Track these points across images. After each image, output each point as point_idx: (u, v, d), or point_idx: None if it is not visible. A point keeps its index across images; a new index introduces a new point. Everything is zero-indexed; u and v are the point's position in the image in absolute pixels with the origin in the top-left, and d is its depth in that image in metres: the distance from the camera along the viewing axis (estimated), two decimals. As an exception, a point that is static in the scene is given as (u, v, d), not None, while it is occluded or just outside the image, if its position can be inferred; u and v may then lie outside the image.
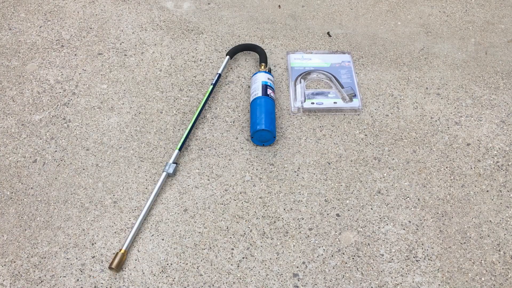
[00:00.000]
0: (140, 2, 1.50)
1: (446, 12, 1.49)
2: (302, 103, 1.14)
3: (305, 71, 1.23)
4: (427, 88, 1.22)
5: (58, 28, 1.40)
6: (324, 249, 0.91)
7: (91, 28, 1.40)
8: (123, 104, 1.18)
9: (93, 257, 0.89)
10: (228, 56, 1.26)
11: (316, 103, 1.14)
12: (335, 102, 1.14)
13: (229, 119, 1.14)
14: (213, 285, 0.86)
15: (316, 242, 0.92)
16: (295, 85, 1.19)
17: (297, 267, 0.88)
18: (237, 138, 1.10)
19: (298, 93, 1.17)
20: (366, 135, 1.11)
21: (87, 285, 0.86)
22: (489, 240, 0.92)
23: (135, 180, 1.02)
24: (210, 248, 0.91)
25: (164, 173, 1.00)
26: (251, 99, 1.11)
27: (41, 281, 0.86)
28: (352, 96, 1.15)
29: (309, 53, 1.29)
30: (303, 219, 0.95)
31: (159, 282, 0.86)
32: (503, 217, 0.95)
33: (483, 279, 0.86)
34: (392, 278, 0.87)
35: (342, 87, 1.18)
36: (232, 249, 0.91)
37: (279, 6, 1.51)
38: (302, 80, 1.20)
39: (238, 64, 1.30)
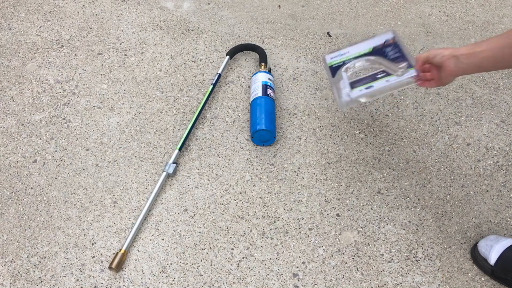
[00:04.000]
0: (140, 2, 1.50)
1: (446, 12, 1.49)
2: (349, 94, 0.95)
3: (344, 64, 1.03)
4: (427, 88, 1.22)
5: (58, 28, 1.40)
6: (324, 249, 0.91)
7: (91, 28, 1.40)
8: (123, 104, 1.18)
9: (93, 257, 0.89)
10: (228, 56, 1.26)
11: (365, 88, 0.95)
12: (387, 80, 0.94)
13: (229, 119, 1.14)
14: (213, 285, 0.86)
15: (316, 242, 0.92)
16: (338, 81, 0.99)
17: (297, 267, 0.88)
18: (237, 138, 1.10)
19: (344, 86, 0.97)
20: (366, 135, 1.11)
21: (87, 285, 0.86)
22: (489, 240, 0.92)
23: (135, 180, 1.02)
24: (210, 248, 0.91)
25: (164, 173, 1.00)
26: (251, 99, 1.11)
27: (41, 281, 0.86)
28: (407, 66, 0.94)
29: (346, 48, 1.10)
30: (303, 219, 0.95)
31: (159, 282, 0.86)
32: (503, 217, 0.95)
33: (483, 279, 0.86)
34: (392, 278, 0.87)
35: (393, 62, 0.97)
36: (232, 249, 0.91)
37: (279, 6, 1.51)
38: (343, 74, 1.01)
39: (238, 64, 1.30)
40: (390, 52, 1.02)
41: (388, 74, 0.96)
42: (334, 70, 1.05)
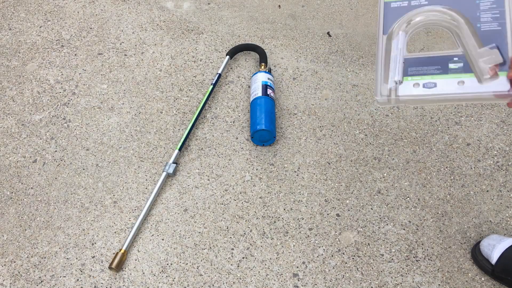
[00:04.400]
0: (140, 2, 1.50)
1: (446, 12, 1.49)
2: (396, 83, 0.57)
3: (410, 5, 0.59)
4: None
5: (58, 28, 1.40)
6: (324, 249, 0.91)
7: (91, 28, 1.40)
8: (123, 104, 1.18)
9: (93, 257, 0.89)
10: (228, 56, 1.26)
11: (424, 85, 0.56)
12: (460, 82, 0.55)
13: (229, 119, 1.14)
14: (213, 285, 0.86)
15: (316, 242, 0.92)
16: (389, 48, 0.59)
17: (297, 267, 0.88)
18: (237, 138, 1.10)
19: (393, 64, 0.58)
20: (366, 135, 1.11)
21: (87, 285, 0.86)
22: (489, 240, 0.92)
23: (135, 180, 1.02)
24: (210, 248, 0.91)
25: (164, 173, 1.00)
26: (251, 99, 1.11)
27: (41, 281, 0.86)
28: (498, 65, 0.54)
29: None
30: (303, 219, 0.95)
31: (159, 282, 0.86)
32: (503, 217, 0.95)
33: (483, 279, 0.86)
34: (392, 278, 0.87)
35: (480, 45, 0.55)
36: (232, 249, 0.91)
37: (279, 6, 1.51)
38: (401, 34, 0.59)
39: (238, 64, 1.30)
40: (486, 14, 0.57)
41: (466, 67, 0.56)
42: (392, 14, 0.61)
